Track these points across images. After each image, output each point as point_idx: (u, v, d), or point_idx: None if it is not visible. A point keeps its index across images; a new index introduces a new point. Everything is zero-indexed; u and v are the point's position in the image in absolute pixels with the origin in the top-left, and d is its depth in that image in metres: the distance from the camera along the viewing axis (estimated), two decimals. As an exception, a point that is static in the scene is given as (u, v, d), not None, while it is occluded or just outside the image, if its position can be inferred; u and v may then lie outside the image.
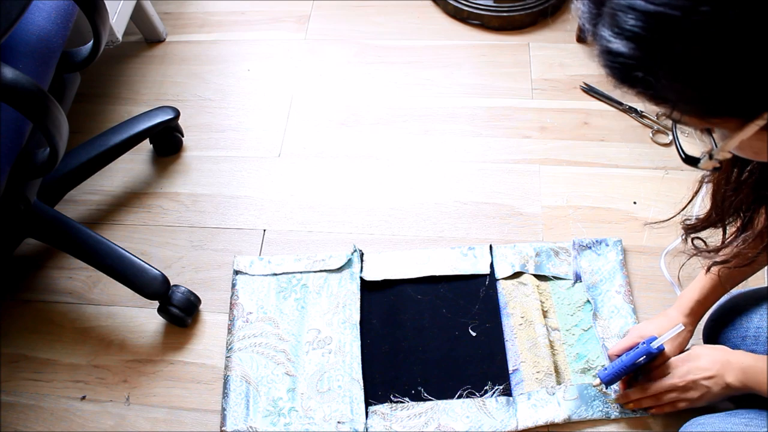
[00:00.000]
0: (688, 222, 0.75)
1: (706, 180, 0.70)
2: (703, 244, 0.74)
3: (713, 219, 0.71)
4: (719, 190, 0.68)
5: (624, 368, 0.91)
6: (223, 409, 0.99)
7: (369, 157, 1.29)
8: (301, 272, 1.11)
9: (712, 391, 0.84)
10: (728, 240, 0.69)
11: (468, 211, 1.19)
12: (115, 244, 1.08)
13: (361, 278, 1.09)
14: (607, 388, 0.96)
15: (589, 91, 1.35)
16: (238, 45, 1.51)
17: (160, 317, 1.09)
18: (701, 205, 0.73)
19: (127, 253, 1.07)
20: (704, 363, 0.84)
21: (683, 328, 0.88)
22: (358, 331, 1.04)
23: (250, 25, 1.55)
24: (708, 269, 0.71)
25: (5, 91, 0.72)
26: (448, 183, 1.23)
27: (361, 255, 1.12)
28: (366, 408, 0.97)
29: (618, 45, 0.42)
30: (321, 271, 1.11)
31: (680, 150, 0.56)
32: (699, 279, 0.91)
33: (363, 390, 0.99)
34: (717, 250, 0.71)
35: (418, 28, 1.51)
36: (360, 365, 1.01)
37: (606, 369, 0.93)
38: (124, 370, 1.06)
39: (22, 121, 0.85)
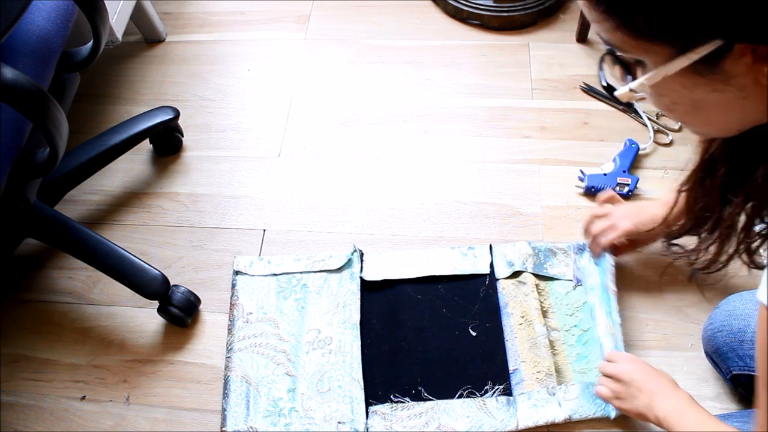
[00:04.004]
0: (668, 230, 0.77)
1: (682, 189, 0.72)
2: (681, 249, 0.75)
3: (690, 225, 0.72)
4: (692, 196, 0.70)
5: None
6: (224, 410, 0.99)
7: (369, 157, 1.29)
8: (301, 272, 1.11)
9: (635, 407, 0.84)
10: (702, 242, 0.70)
11: (468, 211, 1.19)
12: (115, 244, 1.08)
13: (361, 278, 1.09)
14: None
15: (589, 91, 1.35)
16: (238, 45, 1.51)
17: (160, 317, 1.09)
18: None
19: (127, 253, 1.07)
20: (644, 381, 0.84)
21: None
22: (358, 331, 1.04)
23: (250, 25, 1.55)
24: (690, 278, 0.73)
25: (5, 91, 0.72)
26: (448, 183, 1.23)
27: (361, 255, 1.12)
28: (366, 408, 0.97)
29: None
30: (321, 271, 1.11)
31: (601, 78, 0.56)
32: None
33: (363, 390, 0.99)
34: (694, 251, 0.72)
35: (418, 28, 1.51)
36: (360, 365, 1.01)
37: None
38: (124, 370, 1.06)
39: (22, 121, 0.85)
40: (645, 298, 1.06)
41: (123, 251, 1.07)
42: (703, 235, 0.71)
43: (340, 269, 1.11)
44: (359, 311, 1.06)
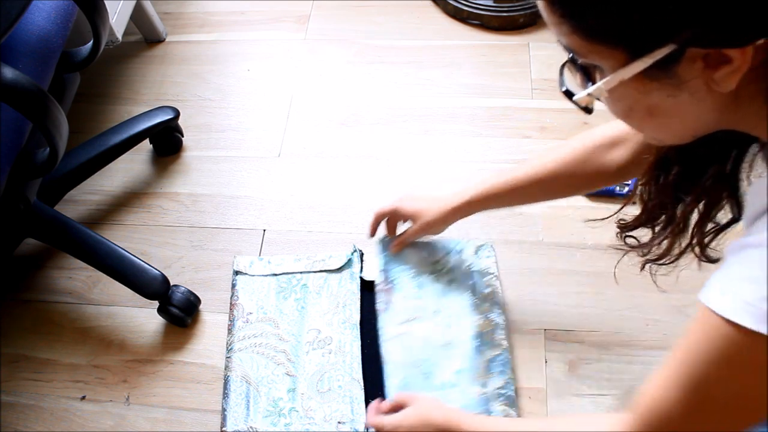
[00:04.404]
0: (622, 221, 0.78)
1: (640, 183, 0.73)
2: (636, 242, 0.76)
3: (643, 219, 0.74)
4: (647, 192, 0.72)
5: None
6: (224, 410, 0.99)
7: (369, 157, 1.29)
8: (301, 272, 1.11)
9: None
10: (656, 238, 0.72)
11: (468, 211, 1.19)
12: (115, 244, 1.08)
13: (361, 278, 1.09)
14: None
15: (589, 91, 1.35)
16: (238, 45, 1.51)
17: (160, 317, 1.09)
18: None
19: (127, 253, 1.07)
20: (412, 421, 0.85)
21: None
22: (359, 331, 1.04)
23: (250, 25, 1.55)
24: (642, 267, 0.75)
25: (5, 91, 0.72)
26: (448, 183, 1.23)
27: (361, 255, 1.12)
28: (366, 408, 0.97)
29: None
30: (321, 271, 1.11)
31: (561, 83, 0.56)
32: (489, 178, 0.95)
33: (363, 390, 0.99)
34: (647, 245, 0.73)
35: (418, 28, 1.51)
36: (360, 365, 1.01)
37: None
38: (124, 370, 1.06)
39: (22, 121, 0.86)
40: (645, 298, 1.06)
41: (123, 251, 1.07)
42: (656, 229, 0.72)
43: (340, 269, 1.11)
44: (359, 311, 1.06)
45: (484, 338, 0.99)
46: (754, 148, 0.59)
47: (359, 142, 1.31)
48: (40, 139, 0.87)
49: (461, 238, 1.11)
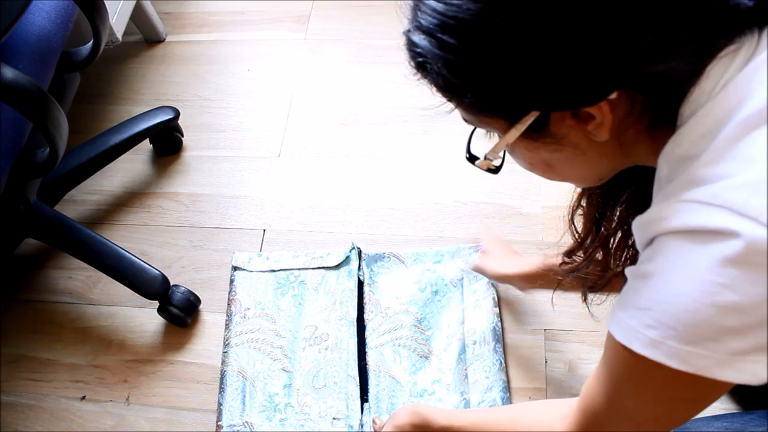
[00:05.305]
0: (566, 249, 0.80)
1: (569, 210, 0.75)
2: (574, 264, 0.78)
3: (577, 245, 0.76)
4: (573, 218, 0.75)
5: None
6: (219, 404, 0.99)
7: (369, 157, 1.29)
8: (299, 269, 1.11)
9: None
10: (587, 259, 0.74)
11: (468, 211, 1.19)
12: (115, 244, 1.08)
13: (359, 277, 1.09)
14: None
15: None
16: (238, 45, 1.51)
17: (160, 317, 1.09)
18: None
19: (127, 253, 1.07)
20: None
21: None
22: (355, 328, 1.04)
23: (250, 25, 1.55)
24: (584, 298, 0.77)
25: (5, 91, 0.72)
26: (447, 183, 1.23)
27: (359, 253, 1.12)
28: (361, 404, 0.97)
29: (416, 37, 0.51)
30: (319, 268, 1.11)
31: (467, 147, 0.61)
32: None
33: (359, 386, 0.99)
34: (583, 267, 0.75)
35: (418, 28, 1.50)
36: (356, 362, 1.01)
37: None
38: (124, 370, 1.06)
39: (22, 121, 0.86)
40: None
41: (123, 251, 1.07)
42: (588, 253, 0.74)
43: (338, 266, 1.11)
44: (356, 308, 1.06)
45: (465, 347, 0.99)
46: None
47: (359, 142, 1.31)
48: (40, 139, 0.87)
49: (459, 243, 1.11)
